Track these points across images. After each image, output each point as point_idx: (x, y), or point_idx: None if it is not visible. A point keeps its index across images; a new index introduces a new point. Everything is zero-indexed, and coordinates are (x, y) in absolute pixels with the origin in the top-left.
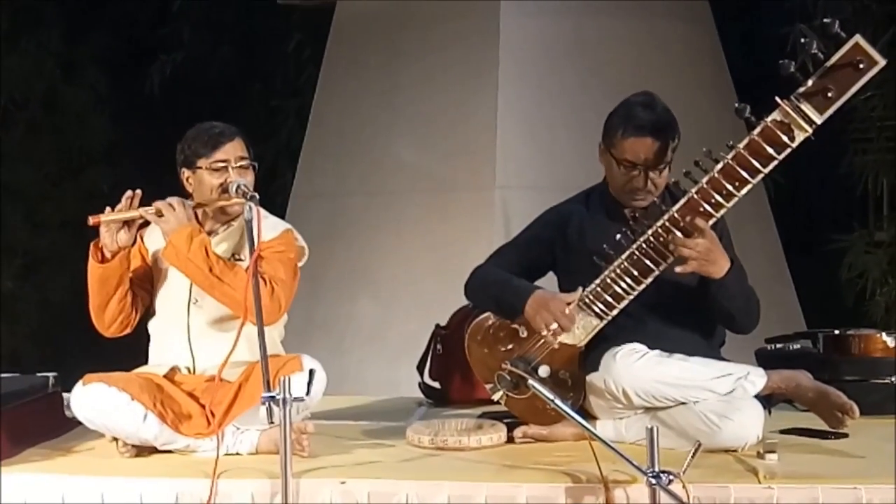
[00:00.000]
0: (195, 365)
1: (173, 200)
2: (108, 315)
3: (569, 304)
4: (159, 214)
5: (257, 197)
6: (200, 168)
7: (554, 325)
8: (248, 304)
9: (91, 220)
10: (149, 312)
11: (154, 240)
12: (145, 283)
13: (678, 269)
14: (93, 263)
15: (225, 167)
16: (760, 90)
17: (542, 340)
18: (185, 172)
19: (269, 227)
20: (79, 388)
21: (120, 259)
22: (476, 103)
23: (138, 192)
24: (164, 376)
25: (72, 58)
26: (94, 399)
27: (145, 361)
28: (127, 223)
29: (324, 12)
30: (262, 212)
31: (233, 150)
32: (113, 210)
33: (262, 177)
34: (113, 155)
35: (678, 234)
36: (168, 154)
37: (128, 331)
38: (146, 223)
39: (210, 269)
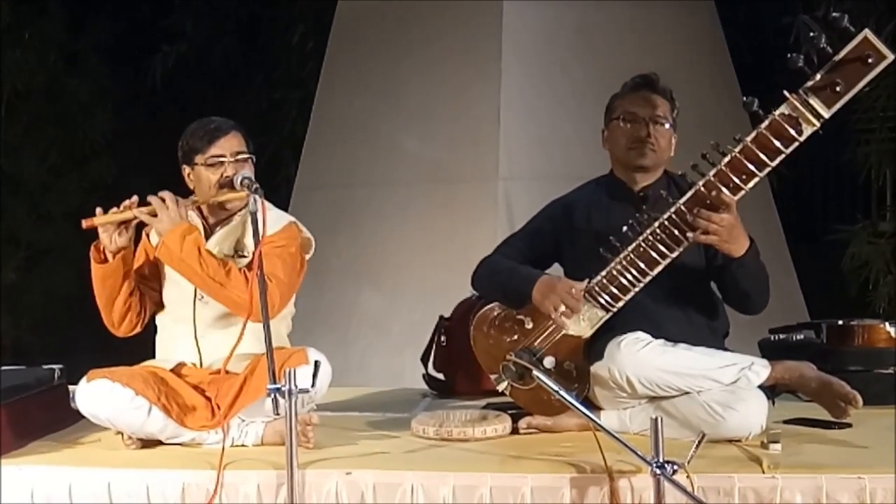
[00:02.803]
0: (202, 360)
1: (165, 195)
2: (116, 314)
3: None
4: (153, 214)
5: (262, 191)
6: (198, 164)
7: (562, 308)
8: (242, 301)
9: (84, 224)
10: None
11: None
12: (153, 280)
13: (701, 238)
14: (93, 264)
15: (221, 162)
16: (762, 78)
17: (548, 331)
18: (186, 169)
19: (272, 220)
20: (83, 384)
21: (122, 258)
22: (479, 94)
23: (135, 198)
24: (171, 370)
25: (74, 49)
26: (98, 395)
27: (152, 352)
28: (124, 224)
29: (327, 3)
30: (267, 204)
31: (229, 144)
32: (107, 212)
33: (266, 168)
34: (116, 146)
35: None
36: (171, 145)
37: (138, 329)
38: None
39: (202, 268)
